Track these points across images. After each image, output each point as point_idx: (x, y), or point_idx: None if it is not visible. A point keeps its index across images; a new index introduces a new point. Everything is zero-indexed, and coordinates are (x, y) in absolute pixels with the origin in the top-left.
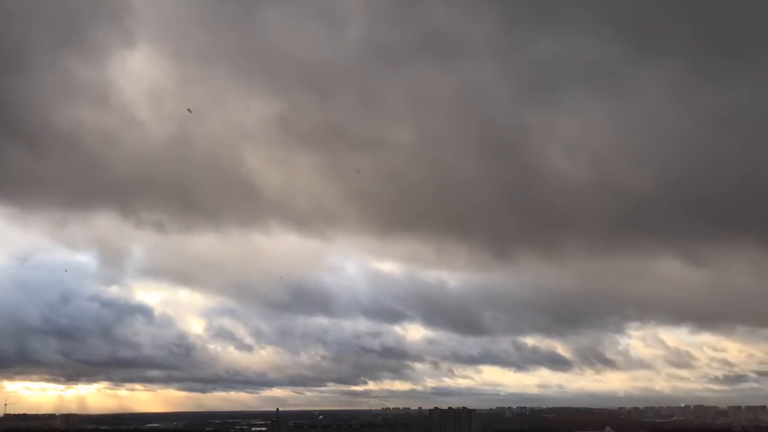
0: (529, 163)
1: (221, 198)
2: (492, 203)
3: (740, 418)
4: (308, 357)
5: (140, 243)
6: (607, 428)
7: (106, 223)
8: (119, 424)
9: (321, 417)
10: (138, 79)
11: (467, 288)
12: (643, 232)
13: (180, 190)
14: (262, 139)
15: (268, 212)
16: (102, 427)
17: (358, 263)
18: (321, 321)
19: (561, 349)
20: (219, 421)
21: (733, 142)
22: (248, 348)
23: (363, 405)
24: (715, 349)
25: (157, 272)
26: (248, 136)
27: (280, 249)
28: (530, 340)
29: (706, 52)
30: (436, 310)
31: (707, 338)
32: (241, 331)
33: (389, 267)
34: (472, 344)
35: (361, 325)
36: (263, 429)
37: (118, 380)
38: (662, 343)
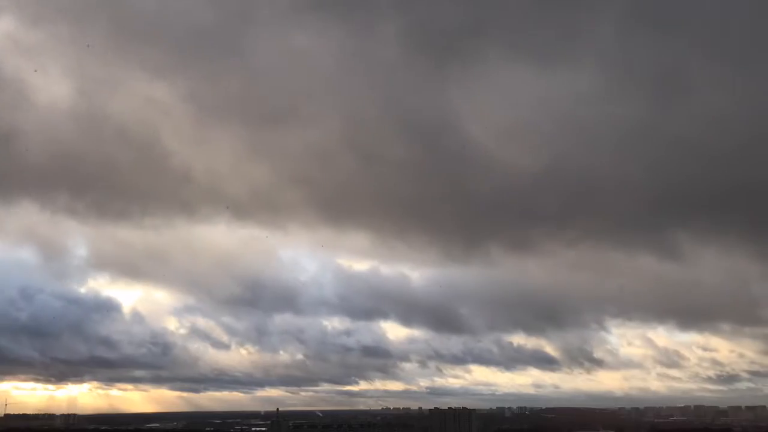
0: (464, 147)
1: (147, 182)
2: (437, 191)
3: (740, 418)
4: (290, 356)
5: (77, 235)
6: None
7: (28, 213)
8: (119, 424)
9: (320, 414)
10: (17, 47)
11: (433, 283)
12: (611, 224)
13: (99, 173)
14: (175, 115)
15: (202, 199)
16: (102, 427)
17: (314, 256)
18: (293, 319)
19: (548, 347)
20: (219, 421)
21: (699, 125)
22: (226, 347)
23: (360, 405)
24: (705, 349)
25: (105, 267)
26: (161, 111)
27: (228, 240)
28: (513, 339)
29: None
30: (408, 307)
31: (695, 337)
32: (215, 330)
33: (347, 261)
34: (454, 343)
35: (336, 323)
36: (263, 429)
37: (106, 380)
38: (651, 342)
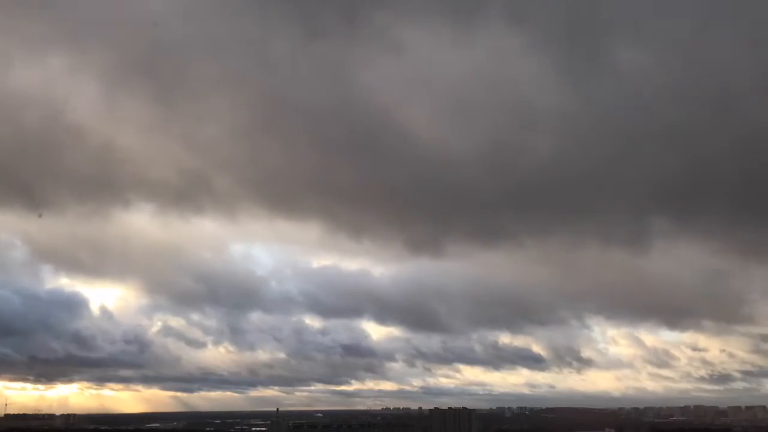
0: (391, 127)
1: (67, 167)
2: (380, 178)
3: (740, 418)
4: (271, 355)
5: (7, 227)
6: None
7: None
8: (118, 424)
9: (320, 415)
10: None
11: (399, 279)
12: (578, 214)
13: (13, 156)
14: (81, 89)
15: (129, 186)
16: (102, 427)
17: (267, 249)
18: (265, 317)
19: (534, 346)
20: (219, 421)
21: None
22: (203, 345)
23: (356, 405)
24: (694, 349)
25: (49, 261)
26: (65, 86)
27: (166, 231)
28: (496, 337)
29: None
30: (381, 304)
31: (681, 336)
32: (188, 328)
33: (303, 254)
34: (436, 342)
35: (312, 321)
36: (263, 429)
37: (94, 380)
38: (638, 341)
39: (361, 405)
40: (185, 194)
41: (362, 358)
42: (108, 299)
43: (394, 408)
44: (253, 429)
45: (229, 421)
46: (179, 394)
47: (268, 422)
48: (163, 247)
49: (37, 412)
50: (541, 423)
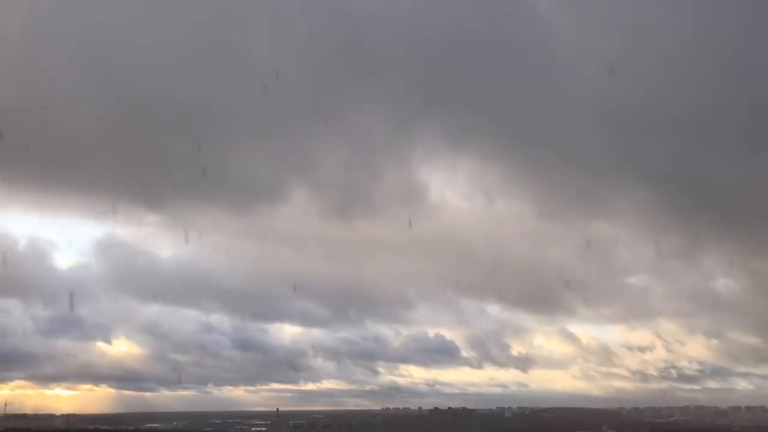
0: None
1: None
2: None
3: (741, 418)
4: (178, 354)
5: None
6: (604, 427)
7: None
8: (119, 424)
9: (320, 416)
10: None
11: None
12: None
13: None
14: None
15: None
16: (102, 427)
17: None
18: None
19: (458, 341)
20: (219, 421)
21: None
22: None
23: (343, 406)
24: (630, 348)
25: None
26: None
27: None
28: (390, 330)
29: None
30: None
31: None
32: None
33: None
34: (333, 337)
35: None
36: (263, 429)
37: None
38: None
39: (352, 405)
40: None
41: (271, 355)
42: None
43: (394, 408)
44: (253, 429)
45: (230, 421)
46: (140, 393)
47: (269, 422)
48: None
49: (36, 413)
50: (543, 423)
